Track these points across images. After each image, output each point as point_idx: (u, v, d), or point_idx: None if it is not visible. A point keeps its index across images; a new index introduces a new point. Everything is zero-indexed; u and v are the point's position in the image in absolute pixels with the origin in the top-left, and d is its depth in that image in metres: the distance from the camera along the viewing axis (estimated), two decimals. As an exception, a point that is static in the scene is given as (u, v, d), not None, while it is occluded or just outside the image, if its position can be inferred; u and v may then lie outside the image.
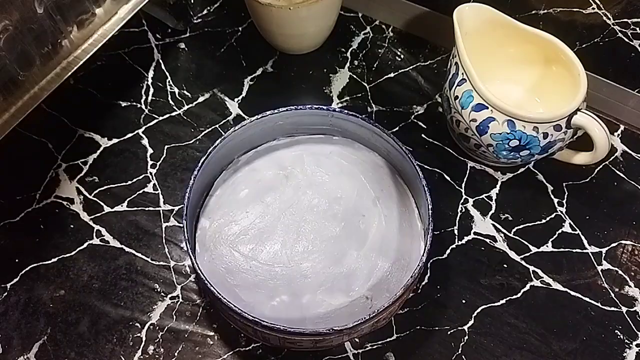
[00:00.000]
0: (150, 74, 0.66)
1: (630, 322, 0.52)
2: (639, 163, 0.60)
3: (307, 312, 0.50)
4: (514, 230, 0.56)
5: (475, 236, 0.56)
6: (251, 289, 0.51)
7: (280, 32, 0.63)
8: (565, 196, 0.58)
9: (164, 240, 0.56)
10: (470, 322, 0.52)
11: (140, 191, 0.58)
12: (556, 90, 0.56)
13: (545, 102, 0.58)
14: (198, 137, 0.62)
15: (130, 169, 0.60)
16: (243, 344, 0.51)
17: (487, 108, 0.53)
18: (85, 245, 0.55)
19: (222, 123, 0.63)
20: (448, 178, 0.59)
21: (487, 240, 0.56)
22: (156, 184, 0.59)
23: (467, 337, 0.51)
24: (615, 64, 0.62)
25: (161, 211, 0.57)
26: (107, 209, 0.57)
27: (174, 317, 0.52)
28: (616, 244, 0.56)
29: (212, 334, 0.51)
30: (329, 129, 0.58)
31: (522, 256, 0.55)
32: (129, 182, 0.59)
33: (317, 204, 0.55)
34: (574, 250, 0.55)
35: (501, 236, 0.56)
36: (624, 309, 0.52)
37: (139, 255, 0.55)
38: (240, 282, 0.51)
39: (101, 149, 0.61)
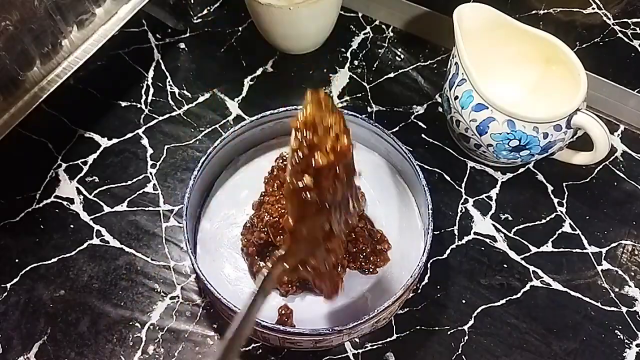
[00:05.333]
0: (150, 74, 0.66)
1: (630, 322, 0.52)
2: (639, 163, 0.60)
3: (307, 312, 0.50)
4: (514, 230, 0.56)
5: (475, 236, 0.56)
6: (251, 288, 0.51)
7: (280, 32, 0.63)
8: (565, 196, 0.58)
9: (164, 240, 0.56)
10: (470, 322, 0.52)
11: (140, 191, 0.58)
12: (556, 90, 0.56)
13: (545, 102, 0.58)
14: (198, 137, 0.62)
15: (130, 169, 0.60)
16: (243, 343, 0.51)
17: (487, 108, 0.53)
18: (85, 245, 0.55)
19: (222, 123, 0.63)
20: (448, 178, 0.59)
21: (487, 240, 0.56)
22: (156, 184, 0.59)
23: (467, 337, 0.51)
24: (615, 64, 0.62)
25: (161, 211, 0.57)
26: (107, 209, 0.57)
27: (174, 317, 0.52)
28: (616, 244, 0.56)
29: (212, 334, 0.51)
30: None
31: (522, 256, 0.55)
32: (129, 182, 0.59)
33: None
34: (574, 250, 0.55)
35: (501, 236, 0.56)
36: (624, 309, 0.52)
37: (139, 255, 0.55)
38: (240, 282, 0.51)
39: (101, 149, 0.61)
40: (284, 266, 0.40)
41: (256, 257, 0.50)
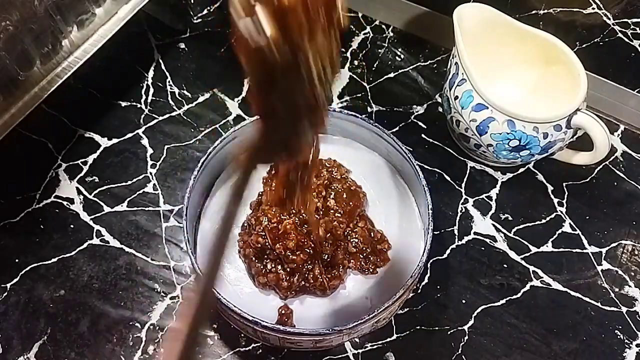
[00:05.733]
0: (150, 74, 0.66)
1: (630, 322, 0.52)
2: (639, 163, 0.60)
3: (307, 312, 0.50)
4: (514, 230, 0.56)
5: (475, 236, 0.56)
6: (251, 289, 0.51)
7: (280, 32, 0.63)
8: (565, 196, 0.58)
9: (164, 240, 0.56)
10: (470, 322, 0.52)
11: (140, 191, 0.58)
12: (556, 90, 0.56)
13: (545, 102, 0.58)
14: (198, 137, 0.62)
15: (130, 169, 0.60)
16: (243, 344, 0.51)
17: (487, 108, 0.53)
18: (85, 245, 0.55)
19: (222, 123, 0.63)
20: (448, 178, 0.59)
21: (487, 240, 0.56)
22: (156, 184, 0.59)
23: (467, 337, 0.51)
24: (615, 64, 0.62)
25: (161, 211, 0.57)
26: (107, 209, 0.57)
27: (174, 317, 0.52)
28: (616, 244, 0.56)
29: (212, 334, 0.51)
30: (328, 129, 0.58)
31: (522, 256, 0.55)
32: (129, 182, 0.59)
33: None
34: (574, 250, 0.55)
35: (501, 236, 0.56)
36: (624, 309, 0.52)
37: (139, 255, 0.55)
38: (240, 282, 0.51)
39: (101, 149, 0.61)
40: (258, 155, 0.31)
41: (253, 259, 0.50)
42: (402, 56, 0.68)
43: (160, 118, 0.63)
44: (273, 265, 0.49)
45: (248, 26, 0.25)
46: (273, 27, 0.25)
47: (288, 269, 0.49)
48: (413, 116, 0.63)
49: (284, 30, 0.26)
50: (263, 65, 0.26)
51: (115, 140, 0.61)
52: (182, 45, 0.68)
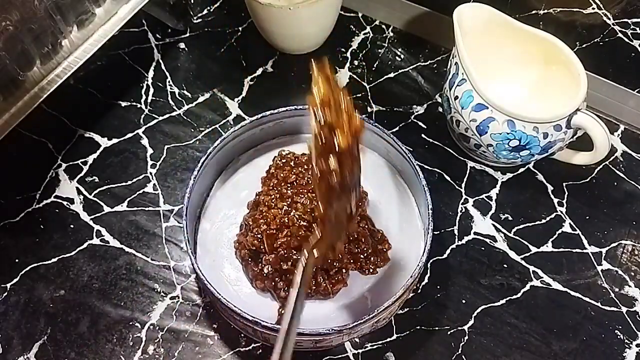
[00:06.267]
0: (150, 74, 0.66)
1: (630, 322, 0.52)
2: (639, 163, 0.60)
3: (307, 312, 0.50)
4: (514, 230, 0.56)
5: (475, 236, 0.56)
6: (251, 289, 0.51)
7: (280, 32, 0.63)
8: (565, 196, 0.58)
9: (164, 240, 0.56)
10: (470, 322, 0.52)
11: (140, 191, 0.58)
12: (556, 90, 0.56)
13: (545, 102, 0.58)
14: (198, 137, 0.62)
15: (130, 169, 0.60)
16: (243, 344, 0.51)
17: (487, 108, 0.53)
18: (85, 245, 0.55)
19: (222, 123, 0.63)
20: (448, 178, 0.59)
21: (487, 240, 0.56)
22: (156, 184, 0.59)
23: (467, 337, 0.51)
24: (615, 64, 0.62)
25: (161, 211, 0.57)
26: (107, 209, 0.57)
27: (174, 317, 0.52)
28: (616, 244, 0.56)
29: (212, 334, 0.51)
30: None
31: (522, 256, 0.55)
32: (129, 182, 0.59)
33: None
34: (574, 250, 0.55)
35: (501, 236, 0.56)
36: (624, 309, 0.52)
37: (139, 255, 0.55)
38: (240, 282, 0.51)
39: (101, 149, 0.61)
40: (317, 254, 0.41)
41: (249, 261, 0.50)
42: (402, 56, 0.68)
43: (160, 118, 0.63)
44: (270, 271, 0.49)
45: (322, 164, 0.38)
46: (335, 162, 0.38)
47: (285, 279, 0.49)
48: (413, 116, 0.63)
49: (340, 164, 0.38)
50: (329, 186, 0.39)
51: (115, 140, 0.61)
52: (182, 45, 0.68)
